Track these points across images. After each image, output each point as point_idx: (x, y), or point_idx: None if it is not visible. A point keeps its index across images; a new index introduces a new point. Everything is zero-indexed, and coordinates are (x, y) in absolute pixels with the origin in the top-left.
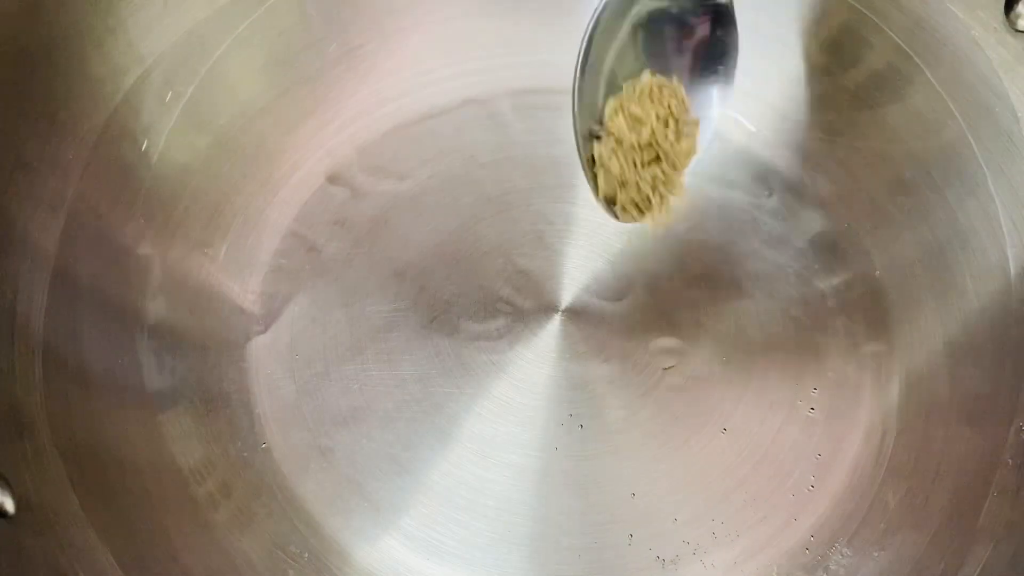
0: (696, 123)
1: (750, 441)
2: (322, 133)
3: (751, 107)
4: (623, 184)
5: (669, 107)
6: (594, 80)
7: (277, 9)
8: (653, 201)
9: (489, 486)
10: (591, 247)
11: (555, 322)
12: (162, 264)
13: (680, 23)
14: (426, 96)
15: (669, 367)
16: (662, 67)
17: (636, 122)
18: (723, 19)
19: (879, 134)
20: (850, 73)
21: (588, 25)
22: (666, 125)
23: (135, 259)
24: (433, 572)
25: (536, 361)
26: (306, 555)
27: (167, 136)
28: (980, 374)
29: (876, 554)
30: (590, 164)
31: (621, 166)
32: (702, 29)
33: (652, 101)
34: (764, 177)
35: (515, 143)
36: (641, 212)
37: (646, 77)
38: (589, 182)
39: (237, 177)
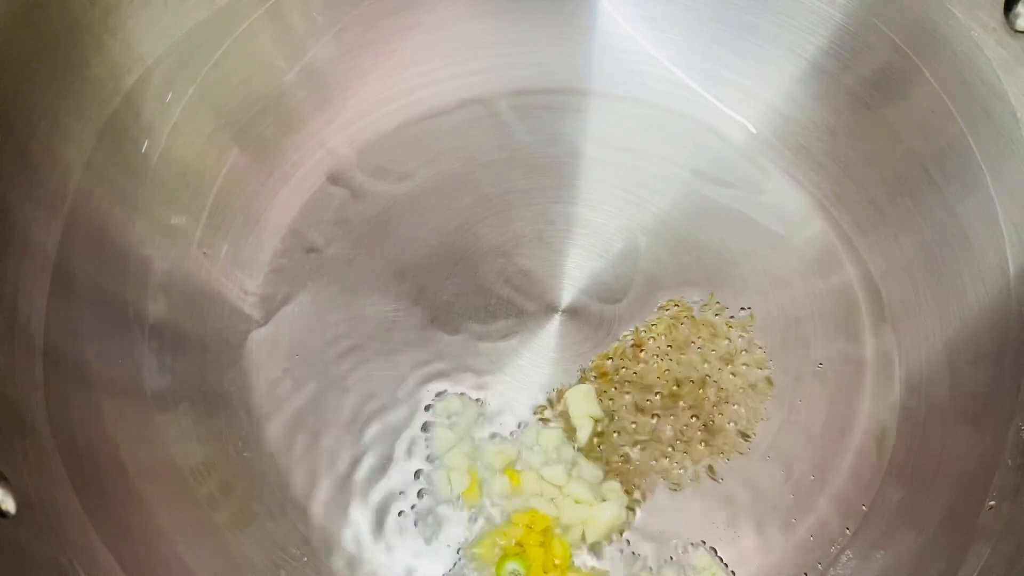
0: None
1: (750, 441)
2: (322, 133)
3: (751, 107)
4: None
5: None
6: None
7: (277, 10)
8: None
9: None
10: (591, 247)
11: (555, 322)
12: (162, 264)
13: None
14: (426, 96)
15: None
16: None
17: None
18: None
19: (879, 134)
20: (850, 73)
21: None
22: None
23: (135, 259)
24: (432, 573)
25: (536, 361)
26: (306, 556)
27: (167, 136)
28: (980, 374)
29: (877, 554)
30: None
31: None
32: None
33: None
34: (764, 177)
35: (515, 143)
36: None
37: None
38: None
39: (237, 177)
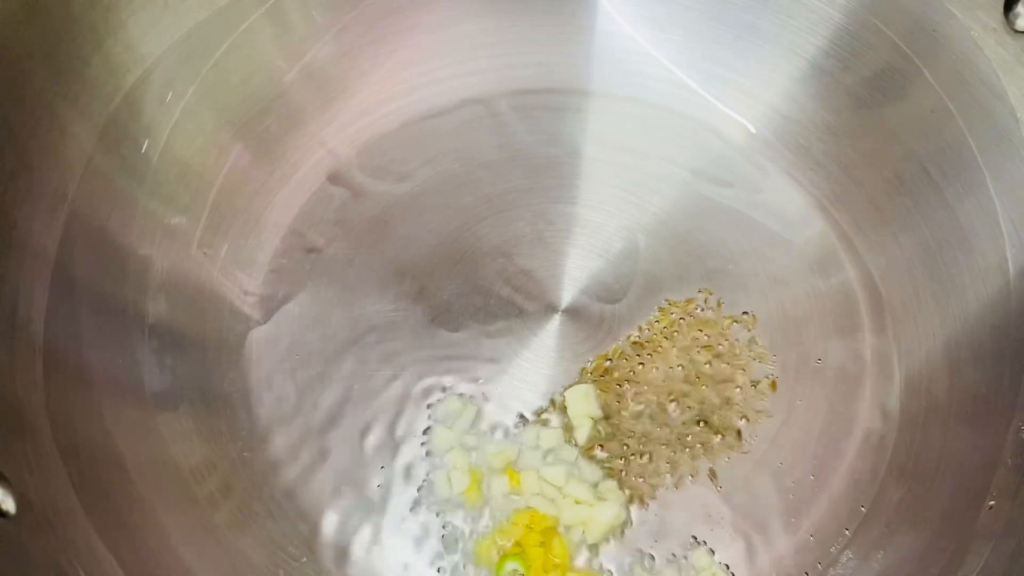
0: None
1: (750, 441)
2: (322, 133)
3: (751, 107)
4: None
5: None
6: None
7: (277, 10)
8: None
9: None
10: (591, 247)
11: (555, 322)
12: (162, 264)
13: None
14: (426, 96)
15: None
16: None
17: None
18: None
19: (879, 134)
20: (850, 73)
21: None
22: None
23: (135, 259)
24: (432, 573)
25: (536, 361)
26: (305, 556)
27: (167, 136)
28: (979, 374)
29: (877, 554)
30: None
31: None
32: None
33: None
34: (763, 177)
35: (515, 143)
36: None
37: None
38: None
39: (237, 177)
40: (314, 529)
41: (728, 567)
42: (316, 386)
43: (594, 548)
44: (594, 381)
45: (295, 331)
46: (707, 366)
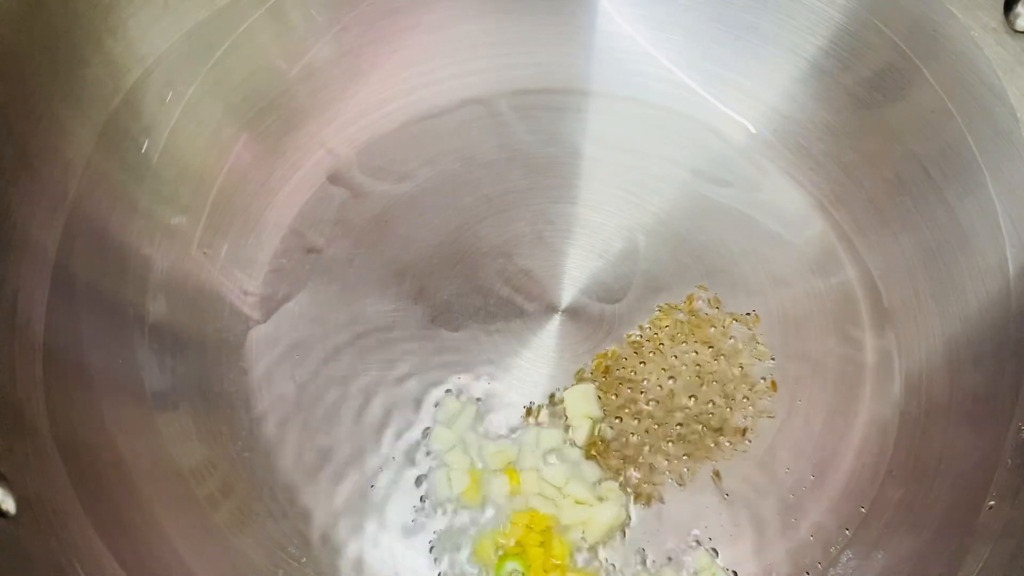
0: None
1: (750, 441)
2: (322, 133)
3: (751, 107)
4: None
5: None
6: None
7: (277, 10)
8: None
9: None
10: (591, 247)
11: (555, 322)
12: (162, 264)
13: None
14: (426, 96)
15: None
16: None
17: None
18: None
19: (879, 134)
20: (850, 73)
21: None
22: None
23: (135, 259)
24: (432, 572)
25: (536, 361)
26: (305, 556)
27: (167, 136)
28: (980, 375)
29: (877, 554)
30: None
31: None
32: None
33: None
34: (763, 177)
35: (515, 143)
36: None
37: None
38: None
39: (237, 177)
40: (314, 529)
41: (729, 567)
42: (316, 386)
43: (594, 548)
44: (594, 381)
45: (295, 331)
46: (707, 366)
